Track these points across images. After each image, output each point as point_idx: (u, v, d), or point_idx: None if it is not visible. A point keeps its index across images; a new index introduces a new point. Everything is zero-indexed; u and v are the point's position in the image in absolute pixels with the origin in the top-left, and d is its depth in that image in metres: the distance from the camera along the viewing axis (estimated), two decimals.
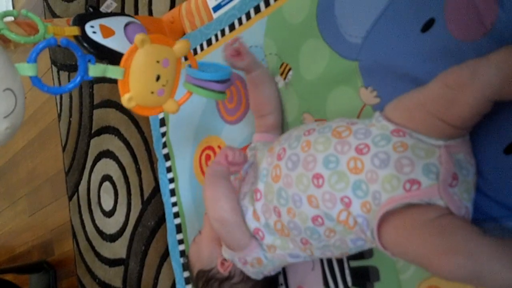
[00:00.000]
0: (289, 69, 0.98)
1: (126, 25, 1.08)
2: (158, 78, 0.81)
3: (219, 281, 0.90)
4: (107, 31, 1.03)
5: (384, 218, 0.65)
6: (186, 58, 0.87)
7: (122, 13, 1.41)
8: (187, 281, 1.22)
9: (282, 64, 1.00)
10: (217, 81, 0.88)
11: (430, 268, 0.58)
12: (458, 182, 0.64)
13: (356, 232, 0.71)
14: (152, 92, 0.81)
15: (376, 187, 0.66)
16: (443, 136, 0.65)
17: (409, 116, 0.68)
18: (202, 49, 1.20)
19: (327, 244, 0.77)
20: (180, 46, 0.83)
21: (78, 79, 0.74)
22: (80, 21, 1.00)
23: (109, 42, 1.01)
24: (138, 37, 0.75)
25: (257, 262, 0.85)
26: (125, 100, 0.78)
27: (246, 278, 0.90)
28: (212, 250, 0.91)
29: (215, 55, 1.17)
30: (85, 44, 0.99)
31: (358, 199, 0.68)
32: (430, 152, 0.64)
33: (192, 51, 1.22)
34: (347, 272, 0.87)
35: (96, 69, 0.75)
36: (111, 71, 0.76)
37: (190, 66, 0.88)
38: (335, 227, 0.73)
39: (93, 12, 1.08)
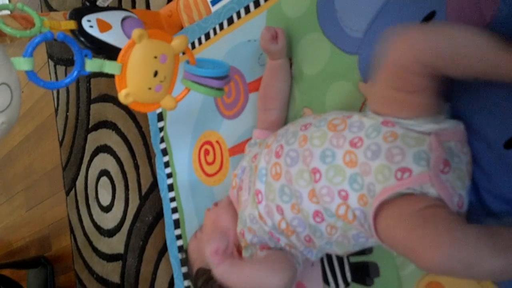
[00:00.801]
0: (291, 64, 0.97)
1: (123, 19, 1.07)
2: (155, 74, 0.80)
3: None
4: (104, 25, 1.02)
5: (379, 210, 0.65)
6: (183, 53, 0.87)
7: (119, 7, 1.40)
8: (185, 276, 1.22)
9: None
10: (216, 78, 0.87)
11: (417, 261, 0.56)
12: (450, 168, 0.64)
13: (356, 226, 0.71)
14: (150, 88, 0.80)
15: (370, 179, 0.66)
16: (422, 113, 0.66)
17: (385, 101, 0.69)
18: (200, 43, 1.19)
19: (330, 242, 0.76)
20: (178, 42, 0.82)
21: (75, 74, 0.73)
22: (77, 15, 0.99)
23: (106, 37, 1.01)
24: (136, 32, 0.75)
25: None
26: (122, 96, 0.78)
27: None
28: None
29: (213, 49, 1.16)
30: (82, 39, 0.98)
31: (355, 192, 0.68)
32: (420, 140, 0.65)
33: (190, 46, 1.21)
34: (346, 268, 0.87)
35: (93, 64, 0.74)
36: (108, 66, 0.75)
37: (188, 62, 0.88)
38: (335, 223, 0.73)
39: (90, 6, 1.07)
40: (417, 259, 0.56)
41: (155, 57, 0.79)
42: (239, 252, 0.89)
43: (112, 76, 0.78)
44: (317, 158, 0.72)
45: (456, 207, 0.63)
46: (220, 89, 0.89)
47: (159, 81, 0.81)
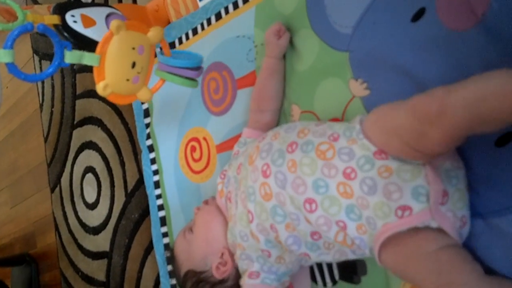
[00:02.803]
0: None
1: (108, 15, 1.06)
2: (133, 65, 0.80)
3: (211, 284, 0.88)
4: (88, 21, 1.01)
5: (384, 241, 0.65)
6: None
7: (104, 3, 1.39)
8: (171, 274, 1.20)
9: None
10: (190, 68, 0.88)
11: None
12: (448, 197, 0.63)
13: (354, 248, 0.71)
14: (128, 80, 0.81)
15: (369, 213, 0.65)
16: (423, 160, 0.63)
17: (386, 141, 0.65)
18: (187, 38, 1.18)
19: (326, 258, 0.77)
20: (154, 33, 0.82)
21: (55, 65, 0.72)
22: (61, 9, 0.97)
23: (89, 32, 1.00)
24: (114, 24, 0.75)
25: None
26: (101, 87, 0.78)
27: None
28: (207, 253, 0.89)
29: (201, 44, 1.14)
30: (65, 34, 0.97)
31: (353, 222, 0.67)
32: (416, 172, 0.63)
33: (177, 41, 1.20)
34: (334, 266, 0.86)
35: (72, 56, 0.74)
36: (87, 58, 0.75)
37: (162, 53, 0.88)
38: (334, 242, 0.73)
39: (75, 1, 1.06)
40: None
41: (133, 48, 0.79)
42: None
43: None
44: (310, 187, 0.70)
45: (459, 230, 0.64)
46: (194, 79, 0.90)
47: (136, 73, 0.81)
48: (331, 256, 0.76)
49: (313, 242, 0.74)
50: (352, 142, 0.69)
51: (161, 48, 0.89)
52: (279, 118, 0.97)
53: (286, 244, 0.77)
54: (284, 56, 0.96)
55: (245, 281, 0.84)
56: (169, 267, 1.21)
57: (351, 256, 0.75)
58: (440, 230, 0.62)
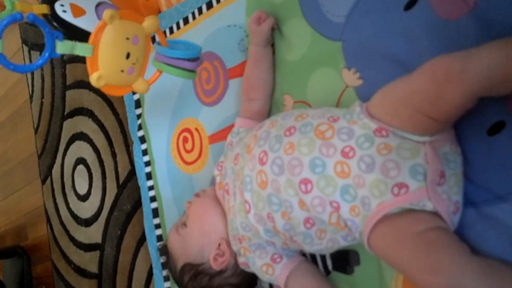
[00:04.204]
0: (274, 52, 0.96)
1: (98, 5, 1.05)
2: (128, 55, 0.79)
3: (209, 276, 0.88)
4: (77, 11, 1.00)
5: (374, 224, 0.64)
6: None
7: None
8: (164, 266, 1.20)
9: None
10: (188, 59, 0.86)
11: (413, 281, 0.60)
12: (445, 179, 0.63)
13: (346, 231, 0.71)
14: (122, 71, 0.79)
15: (364, 192, 0.65)
16: (427, 132, 0.64)
17: (394, 113, 0.66)
18: (178, 27, 1.17)
19: (319, 248, 0.76)
20: (149, 23, 0.81)
21: (46, 56, 0.71)
22: None
23: (79, 22, 0.99)
24: (107, 13, 0.73)
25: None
26: (94, 79, 0.76)
27: (238, 272, 0.88)
28: (203, 245, 0.88)
29: (192, 34, 1.13)
30: (55, 23, 0.95)
31: (347, 203, 0.67)
32: (415, 151, 0.63)
33: (168, 31, 1.19)
34: (327, 256, 0.86)
35: (64, 46, 0.73)
36: (80, 48, 0.74)
37: (159, 43, 0.86)
38: (326, 228, 0.72)
39: None
40: (413, 279, 0.60)
41: (127, 39, 0.77)
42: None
43: None
44: (306, 167, 0.70)
45: (452, 215, 0.63)
46: (192, 71, 0.88)
47: (131, 63, 0.80)
48: (324, 246, 0.76)
49: (306, 232, 0.74)
50: (352, 123, 0.69)
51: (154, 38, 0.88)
52: (271, 108, 0.97)
53: (284, 229, 0.76)
54: (273, 45, 0.95)
55: (276, 271, 0.81)
56: (162, 259, 1.20)
57: (342, 243, 0.74)
58: (433, 214, 0.62)
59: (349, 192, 0.66)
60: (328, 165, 0.68)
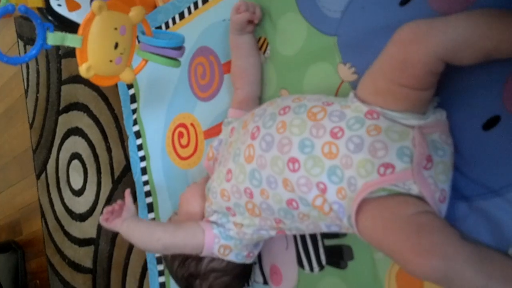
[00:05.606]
0: (268, 44, 0.95)
1: None
2: (116, 46, 0.79)
3: (196, 260, 0.89)
4: (72, 4, 1.00)
5: (362, 206, 0.64)
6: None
7: None
8: (159, 260, 1.20)
9: (259, 38, 0.97)
10: (172, 48, 0.89)
11: (403, 265, 0.58)
12: (432, 164, 0.63)
13: (331, 218, 0.70)
14: (111, 61, 0.80)
15: (351, 173, 0.65)
16: (410, 107, 0.64)
17: (375, 90, 0.67)
18: (174, 22, 1.16)
19: (300, 226, 0.77)
20: (136, 13, 0.82)
21: (38, 46, 0.71)
22: None
23: (74, 16, 0.99)
24: (96, 4, 0.74)
25: (225, 249, 0.86)
26: (84, 69, 0.77)
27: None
28: None
29: (187, 29, 1.13)
30: (50, 17, 0.95)
31: (334, 185, 0.67)
32: (404, 134, 0.64)
33: (163, 25, 1.19)
34: (321, 251, 0.86)
35: (55, 37, 0.73)
36: (70, 39, 0.75)
37: (144, 33, 0.87)
38: (309, 212, 0.72)
39: None
40: (404, 262, 0.58)
41: (115, 29, 0.79)
42: None
43: None
44: (295, 147, 0.70)
45: (438, 203, 0.63)
46: (177, 59, 0.91)
47: (119, 53, 0.81)
48: (305, 226, 0.76)
49: (288, 209, 0.74)
50: (345, 107, 0.70)
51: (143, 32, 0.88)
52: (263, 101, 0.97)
53: (261, 207, 0.77)
54: (266, 39, 0.95)
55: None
56: (157, 253, 1.20)
57: (324, 229, 0.74)
58: (420, 198, 0.62)
59: (336, 173, 0.66)
60: (316, 145, 0.68)
